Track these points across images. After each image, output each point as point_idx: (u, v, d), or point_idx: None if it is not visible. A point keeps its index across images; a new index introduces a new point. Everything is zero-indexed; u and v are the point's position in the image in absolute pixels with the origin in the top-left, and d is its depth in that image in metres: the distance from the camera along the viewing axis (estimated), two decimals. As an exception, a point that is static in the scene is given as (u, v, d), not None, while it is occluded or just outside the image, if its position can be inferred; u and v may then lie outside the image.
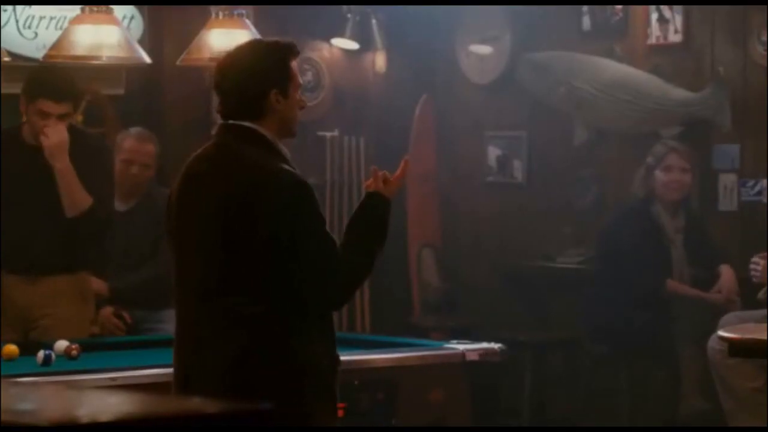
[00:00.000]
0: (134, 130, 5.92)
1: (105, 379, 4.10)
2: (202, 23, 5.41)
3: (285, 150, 3.61)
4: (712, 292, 6.16)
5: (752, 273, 5.83)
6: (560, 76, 6.93)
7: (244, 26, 5.23)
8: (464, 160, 7.52)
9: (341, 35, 7.29)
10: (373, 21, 7.32)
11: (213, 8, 5.37)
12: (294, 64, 3.63)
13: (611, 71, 6.82)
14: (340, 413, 3.81)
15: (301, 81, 3.68)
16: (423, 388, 4.76)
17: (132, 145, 5.80)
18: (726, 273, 6.18)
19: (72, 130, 5.16)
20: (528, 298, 7.25)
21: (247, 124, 3.57)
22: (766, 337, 4.34)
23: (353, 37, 7.30)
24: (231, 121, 3.60)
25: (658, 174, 6.25)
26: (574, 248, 6.96)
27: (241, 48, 3.71)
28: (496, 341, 4.98)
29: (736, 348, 4.47)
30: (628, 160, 6.63)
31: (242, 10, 5.26)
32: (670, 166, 6.25)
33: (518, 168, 7.37)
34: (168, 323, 4.93)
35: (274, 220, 3.47)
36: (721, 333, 4.62)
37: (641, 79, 6.71)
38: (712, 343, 5.73)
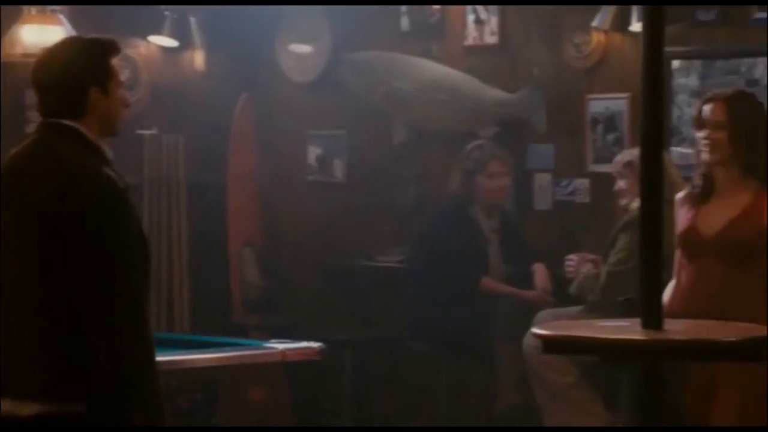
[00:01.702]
0: None
1: None
2: (15, 19, 5.30)
3: (107, 150, 3.56)
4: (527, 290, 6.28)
5: (567, 269, 5.97)
6: (380, 76, 6.97)
7: (59, 22, 5.14)
8: (285, 159, 7.51)
9: (159, 32, 7.21)
10: (192, 19, 7.25)
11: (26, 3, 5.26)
12: (114, 61, 3.59)
13: (429, 71, 6.89)
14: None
15: (122, 79, 3.64)
16: (243, 388, 4.75)
17: None
18: (539, 271, 6.31)
19: None
20: (349, 298, 7.27)
21: (67, 122, 3.52)
22: (579, 334, 4.44)
23: (171, 35, 7.22)
24: (52, 119, 3.54)
25: (481, 180, 6.32)
26: (394, 247, 7.01)
27: (60, 45, 3.66)
28: (317, 340, 4.99)
29: (549, 345, 4.56)
30: (447, 159, 6.71)
31: (56, 6, 5.16)
32: (494, 174, 6.33)
33: (339, 167, 7.39)
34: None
35: (85, 223, 3.42)
36: (535, 330, 4.71)
37: (458, 80, 6.79)
38: (527, 340, 5.84)
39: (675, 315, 4.41)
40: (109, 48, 3.59)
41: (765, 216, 4.33)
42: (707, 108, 4.48)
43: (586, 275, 5.89)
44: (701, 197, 4.49)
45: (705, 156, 4.46)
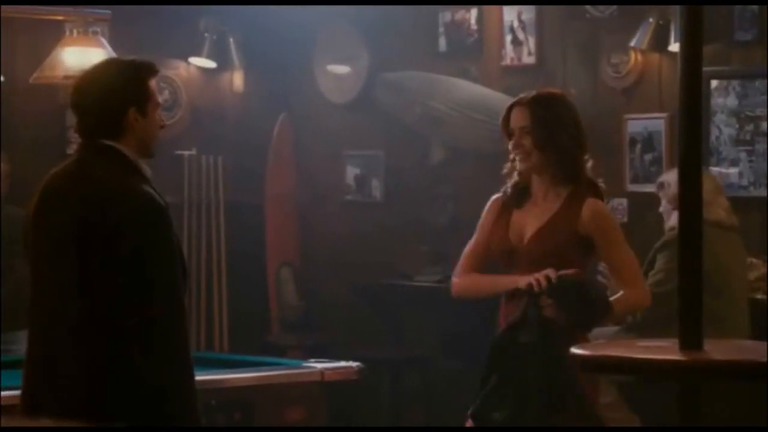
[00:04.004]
0: None
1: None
2: (57, 41, 5.35)
3: (146, 169, 3.59)
4: None
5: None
6: (416, 96, 7.00)
7: (99, 44, 5.18)
8: (322, 179, 7.54)
9: (198, 54, 7.26)
10: (231, 40, 7.31)
11: (67, 25, 5.31)
12: (152, 83, 3.62)
13: (466, 91, 6.91)
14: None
15: (159, 100, 3.67)
16: (281, 408, 4.76)
17: None
18: None
19: None
20: (386, 317, 7.28)
21: (107, 142, 3.55)
22: (617, 354, 4.43)
23: (210, 56, 7.28)
24: (91, 140, 3.57)
25: None
26: (431, 266, 7.02)
27: (99, 66, 3.70)
28: (354, 359, 5.00)
29: (587, 364, 4.54)
30: (483, 178, 6.71)
31: (97, 27, 5.21)
32: None
33: (376, 187, 7.41)
34: (21, 344, 4.84)
35: (126, 241, 3.44)
36: (573, 349, 4.70)
37: (495, 100, 6.80)
38: (565, 359, 5.83)
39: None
40: (148, 69, 3.62)
41: (575, 224, 4.15)
42: (512, 114, 4.24)
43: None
44: (513, 204, 4.27)
45: (517, 164, 4.23)
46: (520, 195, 4.27)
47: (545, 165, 4.19)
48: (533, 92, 4.28)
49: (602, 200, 4.26)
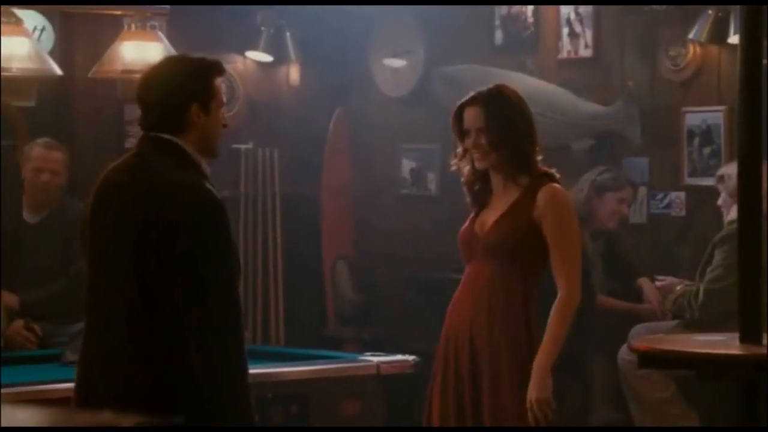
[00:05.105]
0: (41, 139, 5.89)
1: (13, 393, 4.05)
2: (114, 35, 5.39)
3: (205, 166, 3.59)
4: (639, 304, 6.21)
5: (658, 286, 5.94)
6: (472, 89, 6.95)
7: (157, 39, 5.22)
8: (378, 173, 7.54)
9: (255, 48, 7.29)
10: (287, 34, 7.32)
11: (125, 20, 5.34)
12: (218, 82, 3.63)
13: (523, 85, 6.85)
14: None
15: (224, 100, 3.68)
16: (337, 401, 4.77)
17: (40, 152, 5.77)
18: (646, 285, 6.23)
19: None
20: (442, 310, 7.26)
21: (168, 136, 3.56)
22: (675, 348, 4.40)
23: (267, 50, 7.30)
24: (152, 133, 3.58)
25: (608, 201, 6.19)
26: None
27: (165, 61, 3.73)
28: (410, 353, 5.00)
29: (645, 359, 4.52)
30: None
31: (155, 22, 5.24)
32: (623, 199, 6.24)
33: (432, 180, 7.40)
34: (72, 338, 4.88)
35: (183, 236, 3.45)
36: (632, 344, 4.68)
37: (552, 93, 6.76)
38: (623, 353, 5.80)
39: (450, 318, 4.34)
40: (214, 68, 3.63)
41: (532, 212, 4.14)
42: (466, 114, 4.25)
43: (683, 291, 5.83)
44: (478, 201, 4.31)
45: (477, 164, 4.25)
46: (480, 195, 4.31)
47: (502, 162, 4.22)
48: (483, 90, 4.29)
49: (560, 187, 4.23)
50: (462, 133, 4.27)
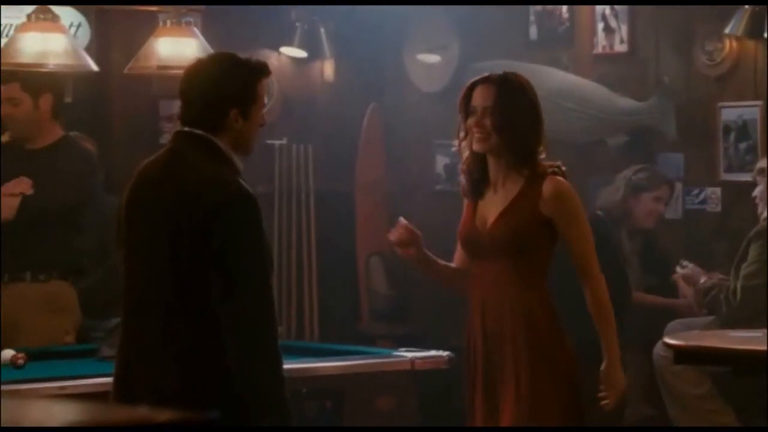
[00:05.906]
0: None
1: (52, 388, 4.08)
2: (150, 31, 5.40)
3: (239, 162, 3.59)
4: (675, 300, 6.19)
5: (681, 273, 5.96)
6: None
7: (192, 35, 5.23)
8: (412, 169, 7.54)
9: (289, 44, 7.30)
10: (322, 30, 7.33)
11: (161, 16, 5.36)
12: (262, 85, 3.59)
13: (557, 80, 6.85)
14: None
15: (266, 101, 3.67)
16: (371, 397, 4.77)
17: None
18: (681, 280, 6.20)
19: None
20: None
21: (200, 132, 3.56)
22: (710, 344, 4.39)
23: (301, 46, 7.31)
24: (188, 129, 3.59)
25: (645, 200, 6.16)
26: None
27: (211, 58, 3.72)
28: (445, 349, 5.00)
29: (681, 355, 4.50)
30: (574, 168, 6.65)
31: (190, 18, 5.25)
32: (659, 198, 6.22)
33: (466, 176, 7.39)
34: (109, 333, 4.90)
35: (217, 231, 3.46)
36: (667, 340, 4.66)
37: (587, 88, 6.75)
38: (658, 349, 5.78)
39: (469, 325, 4.20)
40: (259, 71, 3.60)
41: (537, 204, 3.92)
42: (476, 92, 4.03)
43: (713, 285, 5.81)
44: (476, 191, 4.08)
45: (475, 145, 4.00)
46: (478, 185, 4.09)
47: (502, 148, 3.98)
48: (500, 72, 4.10)
49: (565, 179, 4.03)
50: (467, 113, 4.06)
